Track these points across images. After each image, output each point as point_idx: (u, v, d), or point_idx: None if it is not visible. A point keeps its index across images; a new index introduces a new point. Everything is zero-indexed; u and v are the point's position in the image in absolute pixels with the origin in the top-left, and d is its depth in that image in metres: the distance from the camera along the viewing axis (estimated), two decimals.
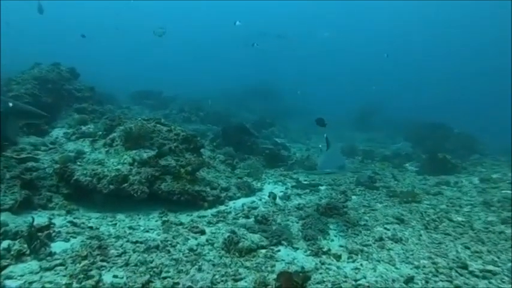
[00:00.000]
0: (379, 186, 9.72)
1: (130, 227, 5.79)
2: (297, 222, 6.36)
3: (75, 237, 5.12)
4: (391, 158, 14.99)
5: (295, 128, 24.13)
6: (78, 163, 7.10)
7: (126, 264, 4.32)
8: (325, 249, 5.22)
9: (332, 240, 5.72)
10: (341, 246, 5.52)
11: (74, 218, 5.98)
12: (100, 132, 9.07)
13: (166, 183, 7.04)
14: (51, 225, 5.30)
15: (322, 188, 9.38)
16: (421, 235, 6.05)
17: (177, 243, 5.23)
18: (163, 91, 25.13)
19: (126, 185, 6.61)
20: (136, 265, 4.33)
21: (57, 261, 4.19)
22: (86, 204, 6.61)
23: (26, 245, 4.41)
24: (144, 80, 31.11)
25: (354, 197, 8.61)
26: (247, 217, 6.74)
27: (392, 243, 5.65)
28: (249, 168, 10.68)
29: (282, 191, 8.98)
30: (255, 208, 7.30)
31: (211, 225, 6.26)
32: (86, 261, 4.22)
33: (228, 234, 5.42)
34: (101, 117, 11.25)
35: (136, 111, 20.18)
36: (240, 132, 14.47)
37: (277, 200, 8.02)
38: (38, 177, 6.53)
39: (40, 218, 5.66)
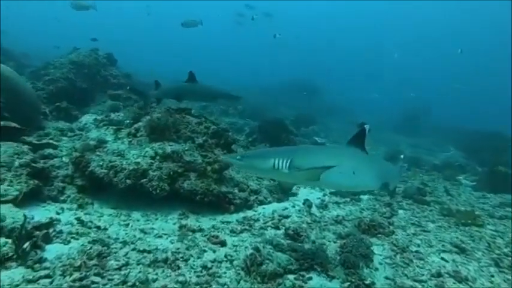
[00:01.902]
0: (430, 200, 8.48)
1: (142, 230, 5.09)
2: (335, 242, 5.38)
3: (77, 239, 4.50)
4: (441, 168, 13.50)
5: (337, 127, 22.88)
6: (98, 153, 6.53)
7: (123, 283, 3.58)
8: (367, 282, 4.22)
9: (376, 270, 4.70)
10: (387, 278, 4.49)
11: (85, 214, 5.39)
12: (127, 121, 8.52)
13: (189, 181, 6.30)
14: (54, 222, 4.73)
15: (364, 197, 8.30)
16: (492, 275, 4.87)
17: (191, 256, 4.46)
18: (204, 82, 24.66)
19: (144, 180, 5.94)
20: (134, 285, 3.58)
21: (44, 272, 3.53)
22: (101, 198, 6.03)
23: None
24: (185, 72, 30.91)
25: (400, 211, 7.49)
26: (276, 228, 5.87)
27: (454, 283, 4.53)
28: None
29: (319, 198, 8.02)
30: (286, 217, 6.41)
31: (234, 234, 5.44)
32: (77, 274, 3.53)
33: (251, 251, 4.56)
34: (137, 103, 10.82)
35: (173, 101, 19.86)
36: (278, 129, 13.63)
37: (313, 209, 7.08)
38: (53, 166, 6.03)
39: (46, 212, 5.13)
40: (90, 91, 11.66)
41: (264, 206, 6.98)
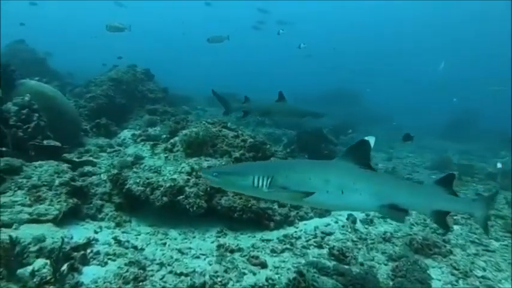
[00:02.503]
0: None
1: (179, 250, 4.92)
2: (385, 264, 4.94)
3: (114, 260, 4.38)
4: (497, 177, 12.47)
5: (376, 134, 21.98)
6: (135, 169, 6.48)
7: None
8: None
9: None
10: None
11: (122, 233, 5.32)
12: (164, 135, 8.50)
13: (227, 198, 6.09)
14: (92, 242, 4.66)
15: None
16: None
17: (230, 279, 4.21)
18: (240, 93, 24.75)
19: (181, 197, 5.80)
20: None
21: None
22: (139, 215, 5.95)
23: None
24: (221, 82, 31.21)
25: (456, 227, 6.85)
26: (320, 246, 5.50)
27: None
28: None
29: (364, 212, 7.55)
30: (330, 234, 6.02)
31: (275, 254, 5.14)
32: None
33: (294, 275, 4.25)
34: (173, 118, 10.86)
35: (210, 113, 19.93)
36: (316, 139, 13.22)
37: (358, 225, 6.63)
38: (92, 184, 6.03)
39: (85, 231, 5.08)
40: (128, 106, 11.88)
41: (305, 221, 6.63)
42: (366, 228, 6.50)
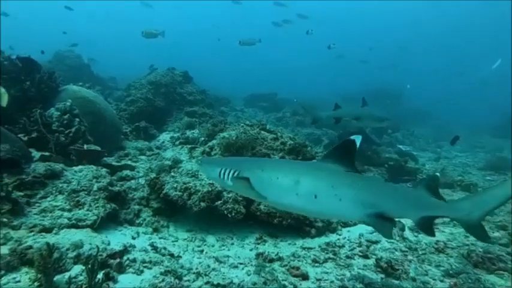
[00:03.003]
0: None
1: (216, 259, 4.72)
2: (441, 280, 4.46)
3: (150, 269, 4.25)
4: None
5: (422, 133, 20.94)
6: (172, 173, 6.39)
7: None
8: None
9: None
10: None
11: (160, 238, 5.24)
12: (202, 138, 8.41)
13: (266, 203, 5.85)
14: (129, 249, 4.57)
15: None
16: None
17: None
18: (277, 93, 24.52)
19: (219, 202, 5.63)
20: None
21: None
22: (177, 220, 5.86)
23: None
24: (259, 83, 31.12)
25: None
26: (365, 256, 5.12)
27: None
28: None
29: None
30: (376, 242, 5.61)
31: (317, 265, 4.83)
32: None
33: None
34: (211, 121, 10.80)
35: (249, 113, 19.88)
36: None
37: (406, 232, 6.16)
38: (130, 188, 6.00)
39: (122, 237, 5.03)
40: (167, 109, 11.97)
41: (349, 228, 6.25)
42: (416, 236, 6.02)
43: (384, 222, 3.00)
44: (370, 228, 6.22)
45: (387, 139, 16.78)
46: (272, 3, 34.60)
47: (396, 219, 3.08)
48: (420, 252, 5.31)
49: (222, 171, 3.30)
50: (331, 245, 5.41)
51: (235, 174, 3.24)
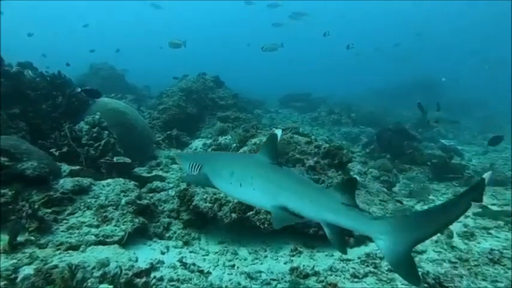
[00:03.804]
0: None
1: (248, 275, 4.41)
2: None
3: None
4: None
5: (466, 125, 19.56)
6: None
7: None
8: None
9: None
10: None
11: (190, 252, 5.00)
12: (234, 144, 8.16)
13: None
14: (157, 265, 4.37)
15: None
16: None
17: None
18: (311, 93, 24.00)
19: (251, 213, 5.32)
20: None
21: None
22: (208, 231, 5.60)
23: None
24: (293, 83, 30.66)
25: None
26: None
27: None
28: (411, 184, 8.30)
29: (461, 222, 6.40)
30: (421, 253, 5.09)
31: (356, 280, 4.40)
32: None
33: None
34: (244, 125, 10.58)
35: (283, 114, 19.53)
36: (399, 136, 11.96)
37: (454, 239, 5.57)
38: (159, 200, 5.83)
39: (151, 252, 4.84)
40: (199, 115, 11.86)
41: None
42: (466, 244, 5.43)
43: (286, 216, 2.95)
44: None
45: (429, 134, 15.83)
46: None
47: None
48: (472, 264, 4.73)
49: (191, 165, 3.74)
50: (371, 257, 4.96)
51: (198, 168, 3.67)
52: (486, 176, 2.38)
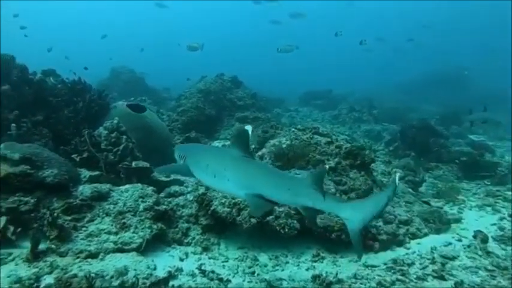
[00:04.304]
0: None
1: (269, 283, 4.30)
2: None
3: None
4: None
5: (496, 119, 18.69)
6: None
7: None
8: None
9: None
10: None
11: (209, 258, 4.93)
12: (253, 146, 8.06)
13: (322, 216, 5.32)
14: (175, 273, 4.32)
15: None
16: None
17: None
18: (332, 90, 23.64)
19: (271, 218, 5.21)
20: None
21: None
22: (229, 236, 5.52)
23: None
24: (313, 80, 30.27)
25: None
26: (441, 277, 4.40)
27: None
28: (438, 184, 7.99)
29: (495, 224, 6.12)
30: (452, 258, 4.85)
31: None
32: None
33: None
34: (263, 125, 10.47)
35: (303, 113, 19.29)
36: (424, 132, 11.57)
37: (490, 244, 5.30)
38: (178, 205, 5.79)
39: (170, 259, 4.82)
40: (218, 116, 11.84)
41: (418, 240, 5.54)
42: (504, 250, 5.15)
43: (262, 203, 3.27)
44: (442, 239, 5.47)
45: (457, 130, 15.26)
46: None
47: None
48: None
49: (179, 155, 4.03)
50: (398, 263, 4.78)
51: (184, 159, 3.93)
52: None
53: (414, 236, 5.61)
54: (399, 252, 5.20)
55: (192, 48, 11.43)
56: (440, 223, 5.97)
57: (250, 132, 3.54)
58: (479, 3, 44.29)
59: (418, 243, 5.44)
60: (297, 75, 38.36)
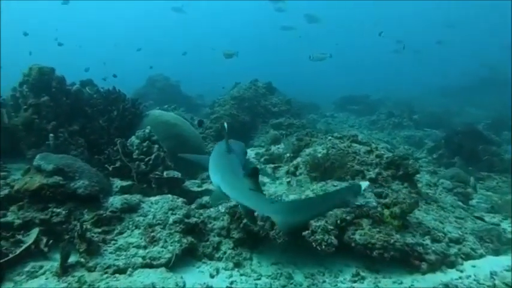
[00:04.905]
0: None
1: None
2: None
3: None
4: None
5: None
6: None
7: None
8: None
9: None
10: None
11: (241, 275, 4.65)
12: (287, 154, 7.75)
13: (362, 232, 4.91)
14: None
15: None
16: None
17: None
18: (370, 94, 22.88)
19: (306, 233, 4.87)
20: None
21: None
22: (262, 250, 5.22)
23: None
24: (350, 85, 29.51)
25: None
26: None
27: None
28: (492, 197, 7.30)
29: None
30: None
31: None
32: None
33: None
34: (297, 132, 10.16)
35: (340, 119, 18.74)
36: (471, 139, 10.77)
37: None
38: (209, 217, 5.57)
39: (199, 275, 4.58)
40: (252, 123, 11.63)
41: (473, 262, 4.97)
42: None
43: (221, 194, 3.75)
44: (503, 262, 4.87)
45: (508, 135, 14.15)
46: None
47: None
48: None
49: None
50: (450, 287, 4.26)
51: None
52: (363, 185, 2.92)
53: (468, 257, 5.05)
54: (451, 275, 4.68)
55: (227, 56, 11.41)
56: (498, 243, 5.35)
57: (226, 127, 4.79)
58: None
59: (473, 266, 4.88)
60: (330, 80, 37.62)
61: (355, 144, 6.58)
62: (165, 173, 6.15)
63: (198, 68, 43.50)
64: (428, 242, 5.00)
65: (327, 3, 44.49)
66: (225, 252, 5.05)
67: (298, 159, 6.51)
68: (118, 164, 6.21)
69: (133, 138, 6.47)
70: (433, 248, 4.91)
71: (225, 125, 4.69)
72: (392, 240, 4.76)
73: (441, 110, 19.29)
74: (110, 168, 6.21)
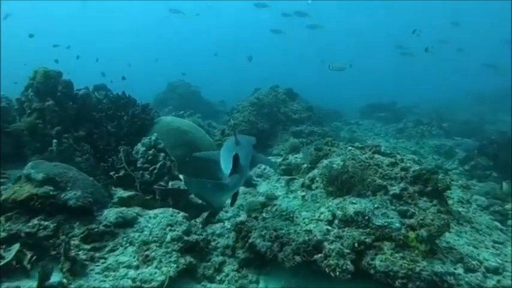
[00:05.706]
0: None
1: None
2: None
3: None
4: None
5: None
6: (264, 214, 5.31)
7: None
8: None
9: None
10: None
11: None
12: (305, 165, 7.20)
13: (383, 257, 4.30)
14: None
15: None
16: None
17: None
18: (396, 102, 21.91)
19: (319, 256, 4.32)
20: None
21: None
22: (270, 272, 4.70)
23: None
24: (375, 92, 28.48)
25: None
26: None
27: None
28: None
29: None
30: None
31: None
32: None
33: None
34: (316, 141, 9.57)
35: (365, 126, 17.95)
36: (508, 148, 9.86)
37: None
38: (213, 234, 5.09)
39: None
40: (271, 130, 11.15)
41: None
42: None
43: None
44: None
45: None
46: None
47: None
48: None
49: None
50: None
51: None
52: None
53: None
54: None
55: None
56: None
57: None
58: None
59: None
60: (353, 88, 36.50)
61: (378, 156, 5.96)
62: (170, 184, 5.73)
63: (220, 73, 43.25)
64: (460, 271, 4.32)
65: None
66: (227, 275, 4.55)
67: (315, 171, 5.96)
68: (122, 172, 5.86)
69: (139, 145, 6.11)
70: (467, 279, 4.23)
71: (232, 121, 4.46)
72: (418, 269, 4.12)
73: (473, 117, 18.17)
74: (114, 177, 5.87)
